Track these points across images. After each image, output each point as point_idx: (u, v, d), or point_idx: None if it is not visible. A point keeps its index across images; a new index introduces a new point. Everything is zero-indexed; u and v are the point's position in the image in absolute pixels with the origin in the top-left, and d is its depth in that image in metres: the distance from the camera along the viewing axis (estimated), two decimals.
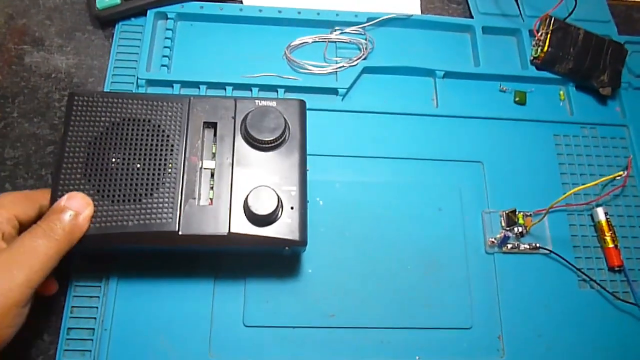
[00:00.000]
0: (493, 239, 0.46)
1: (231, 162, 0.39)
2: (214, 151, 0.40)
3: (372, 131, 0.49)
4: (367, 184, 0.47)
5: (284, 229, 0.38)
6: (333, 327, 0.42)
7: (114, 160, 0.38)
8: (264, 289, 0.43)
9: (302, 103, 0.42)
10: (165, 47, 0.49)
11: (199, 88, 0.48)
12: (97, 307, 0.41)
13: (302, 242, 0.38)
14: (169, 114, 0.40)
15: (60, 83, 0.48)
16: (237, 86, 0.49)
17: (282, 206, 0.38)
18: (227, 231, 0.37)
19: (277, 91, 0.49)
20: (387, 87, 0.51)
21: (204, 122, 0.40)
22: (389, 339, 0.43)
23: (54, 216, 0.35)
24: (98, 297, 0.41)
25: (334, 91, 0.50)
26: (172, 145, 0.39)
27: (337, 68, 0.50)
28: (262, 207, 0.36)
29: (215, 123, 0.40)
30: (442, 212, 0.47)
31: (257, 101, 0.41)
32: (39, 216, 0.36)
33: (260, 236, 0.37)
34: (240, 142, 0.40)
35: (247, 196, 0.37)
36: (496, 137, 0.50)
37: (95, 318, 0.41)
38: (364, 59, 0.51)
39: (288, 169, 0.40)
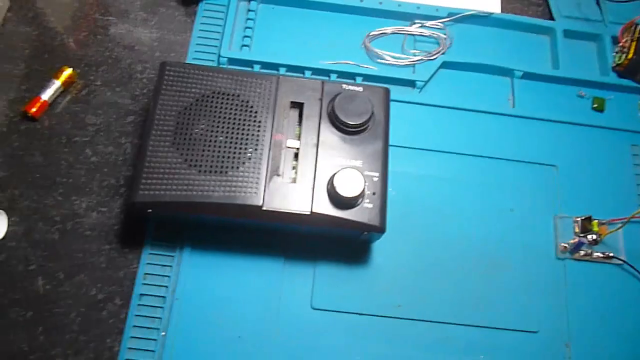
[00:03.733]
0: (565, 244, 0.45)
1: (316, 142, 0.39)
2: (298, 131, 0.40)
3: (447, 126, 0.49)
4: (440, 179, 0.47)
5: (365, 213, 0.38)
6: (399, 318, 0.42)
7: (202, 126, 0.38)
8: (333, 274, 0.43)
9: (387, 91, 0.42)
10: (247, 27, 0.50)
11: (278, 70, 0.49)
12: (169, 276, 0.41)
13: (382, 228, 0.38)
14: (258, 90, 0.40)
15: (142, 55, 0.49)
16: (316, 71, 0.49)
17: (365, 191, 0.38)
18: (310, 210, 0.37)
19: (354, 79, 0.49)
20: (464, 84, 0.51)
21: (291, 102, 0.40)
22: (454, 335, 0.42)
23: None
24: (171, 266, 0.42)
25: (411, 83, 0.50)
26: (260, 122, 0.39)
27: (415, 61, 0.50)
28: (348, 189, 0.36)
29: (302, 103, 0.40)
30: (514, 213, 0.46)
31: (344, 85, 0.41)
32: None
33: (341, 218, 0.37)
34: (325, 124, 0.40)
35: (333, 177, 0.37)
36: (572, 142, 0.49)
37: (167, 286, 0.41)
38: (443, 53, 0.51)
39: (371, 155, 0.39)
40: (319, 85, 0.41)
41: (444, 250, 0.45)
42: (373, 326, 0.42)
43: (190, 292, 0.41)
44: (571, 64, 0.52)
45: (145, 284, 0.41)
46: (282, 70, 0.48)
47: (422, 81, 0.50)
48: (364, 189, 0.37)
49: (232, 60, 0.48)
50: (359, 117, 0.39)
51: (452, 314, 0.43)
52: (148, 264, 0.42)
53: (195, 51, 0.49)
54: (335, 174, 0.37)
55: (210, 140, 0.38)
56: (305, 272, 0.43)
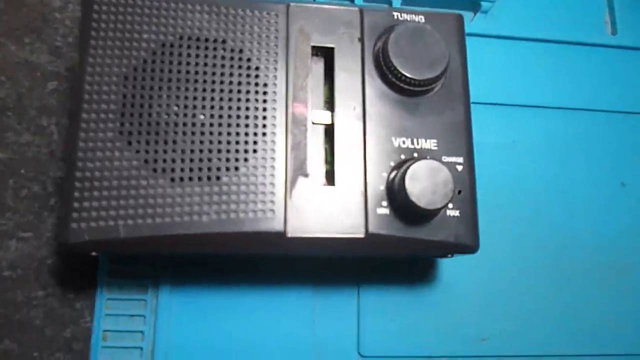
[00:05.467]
0: None
1: (361, 113, 0.24)
2: (327, 95, 0.25)
3: (524, 68, 0.34)
4: (520, 146, 0.33)
5: (450, 227, 0.23)
6: (486, 357, 0.29)
7: (176, 108, 0.22)
8: (386, 304, 0.29)
9: (460, 19, 0.26)
10: None
11: None
12: (142, 332, 0.27)
13: (475, 246, 0.24)
14: (257, 30, 0.24)
15: None
16: None
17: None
18: (364, 232, 0.23)
19: (390, 2, 0.33)
20: (541, 3, 0.35)
21: (313, 47, 0.24)
22: None
23: None
24: (143, 316, 0.27)
25: (472, 5, 0.34)
26: (265, 85, 0.23)
27: None
28: (430, 197, 0.22)
29: (332, 49, 0.24)
30: (627, 188, 0.33)
31: (395, 14, 0.25)
32: None
33: (415, 239, 0.23)
34: (373, 81, 0.24)
35: (404, 175, 0.22)
36: None
37: (140, 348, 0.27)
38: None
39: (450, 128, 0.24)
40: (356, 15, 0.25)
41: (536, 252, 0.31)
42: None
43: (177, 355, 0.27)
44: None
45: (106, 347, 0.27)
46: None
47: (489, 1, 0.34)
48: (454, 193, 0.22)
49: None
50: (430, 67, 0.23)
51: (557, 342, 0.30)
52: (108, 315, 0.27)
53: None
54: (405, 170, 0.22)
55: (185, 124, 0.22)
56: (345, 304, 0.29)
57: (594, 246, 0.32)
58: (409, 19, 0.25)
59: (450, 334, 0.29)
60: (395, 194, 0.22)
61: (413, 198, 0.21)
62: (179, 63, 0.23)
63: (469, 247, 0.24)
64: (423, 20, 0.25)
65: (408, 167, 0.22)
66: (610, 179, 0.33)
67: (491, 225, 0.30)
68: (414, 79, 0.23)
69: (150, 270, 0.28)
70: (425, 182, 0.22)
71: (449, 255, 0.25)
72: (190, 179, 0.22)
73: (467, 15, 0.34)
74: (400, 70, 0.23)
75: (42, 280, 0.28)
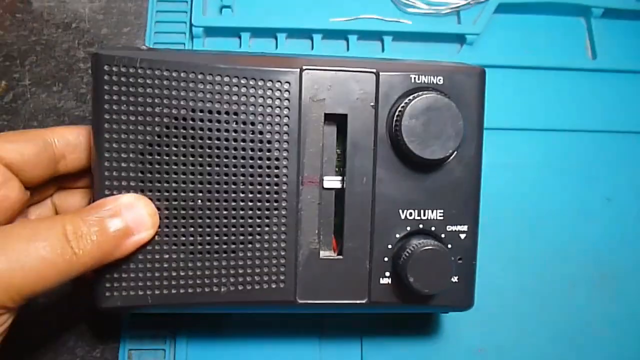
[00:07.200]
0: None
1: (371, 185, 0.24)
2: (339, 162, 0.25)
3: (507, 94, 0.34)
4: (507, 168, 0.33)
5: (446, 293, 0.25)
6: None
7: (192, 185, 0.23)
8: (388, 356, 0.31)
9: (482, 75, 0.25)
10: None
11: (276, 38, 0.33)
12: None
13: (469, 305, 0.26)
14: (268, 102, 0.24)
15: (84, 35, 0.33)
16: (328, 33, 0.34)
17: None
18: (367, 300, 0.24)
19: (382, 40, 0.34)
20: (523, 32, 0.36)
21: (326, 114, 0.24)
22: None
23: (93, 218, 0.22)
24: None
25: (459, 38, 0.34)
26: (277, 160, 0.24)
27: (460, 6, 0.33)
28: (428, 282, 0.23)
29: (345, 116, 0.24)
30: (612, 203, 0.34)
31: (412, 76, 0.24)
32: (45, 158, 0.24)
33: (413, 306, 0.25)
34: (384, 152, 0.24)
35: (407, 263, 0.23)
36: None
37: None
38: None
39: (457, 197, 0.25)
40: (371, 79, 0.24)
41: (530, 269, 0.33)
42: None
43: None
44: None
45: None
46: (282, 37, 0.33)
47: (474, 34, 0.33)
48: (451, 277, 0.23)
49: (209, 30, 0.33)
50: (443, 147, 0.23)
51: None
52: None
53: (157, 22, 0.34)
54: (408, 256, 0.23)
55: (201, 200, 0.24)
56: (349, 355, 0.30)
57: (584, 257, 0.33)
58: (426, 81, 0.24)
59: None
60: (398, 270, 0.24)
61: (414, 283, 0.23)
62: (191, 138, 0.23)
63: (463, 307, 0.25)
64: (442, 82, 0.24)
65: (412, 253, 0.23)
66: (594, 194, 0.34)
67: (485, 242, 0.30)
68: (426, 159, 0.23)
69: (169, 323, 0.30)
70: (425, 267, 0.23)
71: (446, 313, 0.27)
72: (209, 252, 0.24)
73: (454, 47, 0.34)
74: (413, 150, 0.23)
75: (71, 332, 0.30)
